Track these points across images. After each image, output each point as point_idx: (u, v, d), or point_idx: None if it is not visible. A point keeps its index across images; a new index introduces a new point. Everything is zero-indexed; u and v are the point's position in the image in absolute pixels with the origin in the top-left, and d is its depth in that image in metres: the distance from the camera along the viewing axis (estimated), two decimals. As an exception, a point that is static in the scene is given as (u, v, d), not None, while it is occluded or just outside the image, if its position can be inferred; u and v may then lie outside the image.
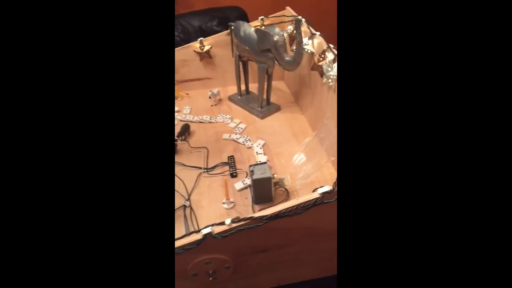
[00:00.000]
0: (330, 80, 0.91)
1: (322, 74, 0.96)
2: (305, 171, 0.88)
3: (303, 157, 0.91)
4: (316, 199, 0.53)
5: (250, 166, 0.86)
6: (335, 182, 0.55)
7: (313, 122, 1.14)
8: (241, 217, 0.56)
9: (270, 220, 0.53)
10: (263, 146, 1.09)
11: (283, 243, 0.63)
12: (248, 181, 0.92)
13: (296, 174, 0.92)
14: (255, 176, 0.82)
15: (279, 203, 0.86)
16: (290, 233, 0.60)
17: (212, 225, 0.55)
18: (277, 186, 0.87)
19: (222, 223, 0.55)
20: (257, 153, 1.04)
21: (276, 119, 1.24)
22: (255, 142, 1.10)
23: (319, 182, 0.89)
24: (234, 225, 0.54)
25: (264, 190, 0.85)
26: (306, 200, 0.54)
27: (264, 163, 0.87)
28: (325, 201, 0.54)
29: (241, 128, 1.17)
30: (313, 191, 0.56)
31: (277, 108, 1.28)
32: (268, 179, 0.82)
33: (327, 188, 0.54)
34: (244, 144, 1.09)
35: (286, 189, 0.89)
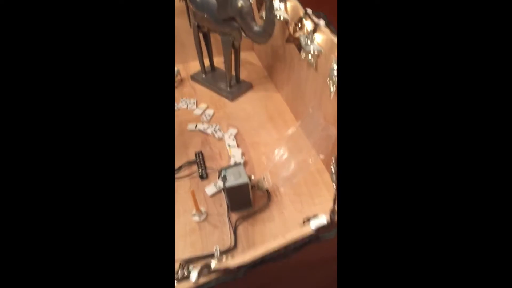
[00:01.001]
0: (310, 56, 0.75)
1: (300, 48, 0.79)
2: (288, 169, 0.75)
3: (284, 152, 0.77)
4: (310, 237, 0.40)
5: (221, 170, 0.71)
6: (333, 210, 0.41)
7: (290, 101, 0.99)
8: (215, 254, 0.42)
9: (251, 268, 0.40)
10: (236, 135, 0.93)
11: (268, 282, 0.51)
12: (221, 183, 0.78)
13: (277, 172, 0.78)
14: (229, 183, 0.68)
15: (260, 208, 0.73)
16: (276, 272, 0.47)
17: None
18: (254, 185, 0.73)
19: (187, 277, 0.41)
20: (230, 146, 0.89)
21: (248, 100, 1.07)
22: (226, 132, 0.94)
23: (306, 185, 0.76)
24: (203, 280, 0.40)
25: (240, 196, 0.71)
26: (296, 239, 0.41)
27: (238, 164, 0.72)
28: (321, 238, 0.41)
29: (209, 115, 1.00)
30: (304, 222, 0.43)
31: (249, 86, 1.10)
32: (245, 185, 0.68)
33: (322, 220, 0.41)
34: (213, 135, 0.93)
35: (267, 190, 0.75)
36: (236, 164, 0.72)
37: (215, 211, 0.75)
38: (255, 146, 0.90)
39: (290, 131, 0.79)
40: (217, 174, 0.82)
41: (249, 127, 0.96)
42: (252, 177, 0.72)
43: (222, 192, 0.77)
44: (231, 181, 0.68)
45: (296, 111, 0.95)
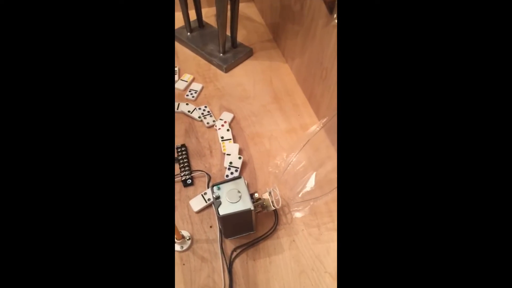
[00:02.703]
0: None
1: (332, 7, 0.54)
2: (304, 183, 0.54)
3: (300, 158, 0.56)
4: None
5: (213, 186, 0.50)
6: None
7: (303, 78, 0.75)
8: None
9: None
10: (231, 123, 0.71)
11: None
12: (210, 196, 0.57)
13: (288, 183, 0.58)
14: (224, 210, 0.47)
15: (265, 234, 0.54)
16: None
17: None
18: (259, 210, 0.53)
19: None
20: (223, 138, 0.67)
21: (247, 71, 0.82)
22: (218, 117, 0.71)
23: (326, 202, 0.56)
24: None
25: (239, 223, 0.51)
26: None
27: (237, 178, 0.51)
28: None
29: (195, 92, 0.76)
30: None
31: (248, 53, 0.85)
32: (247, 213, 0.48)
33: None
34: (201, 121, 0.70)
35: (274, 210, 0.55)
36: (234, 178, 0.51)
37: (203, 235, 0.55)
38: (257, 139, 0.68)
39: (312, 129, 0.57)
40: (207, 178, 0.61)
41: (248, 110, 0.73)
42: (256, 195, 0.52)
43: (213, 207, 0.57)
44: (227, 206, 0.47)
45: (311, 94, 0.72)
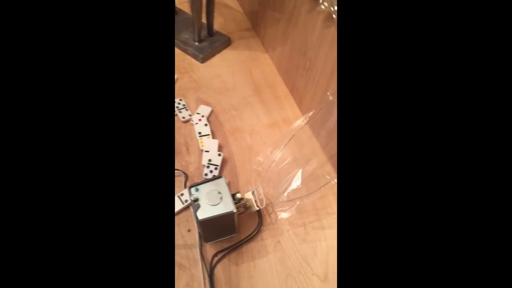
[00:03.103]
0: (334, 7, 0.47)
1: (317, -9, 0.50)
2: (291, 183, 0.51)
3: (285, 155, 0.52)
4: None
5: (190, 187, 0.45)
6: None
7: (285, 69, 0.71)
8: None
9: None
10: (209, 117, 0.66)
11: None
12: (188, 197, 0.53)
13: (272, 181, 0.54)
14: (203, 214, 0.43)
15: (248, 236, 0.50)
16: None
17: None
18: (242, 211, 0.49)
19: None
20: (200, 134, 0.62)
21: (225, 62, 0.77)
22: (195, 111, 0.66)
23: (316, 211, 0.53)
24: None
25: (220, 227, 0.47)
26: None
27: (217, 178, 0.46)
28: None
29: (169, 83, 0.70)
30: None
31: (226, 42, 0.80)
32: (229, 215, 0.44)
33: None
34: (176, 116, 0.65)
35: (258, 210, 0.52)
36: (214, 178, 0.46)
37: (180, 240, 0.50)
38: (237, 134, 0.64)
39: (298, 123, 0.53)
40: (183, 177, 0.56)
41: (228, 104, 0.69)
42: (238, 195, 0.48)
43: (191, 208, 0.52)
44: (207, 210, 0.43)
45: (294, 86, 0.69)
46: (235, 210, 0.43)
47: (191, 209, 0.44)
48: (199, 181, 0.46)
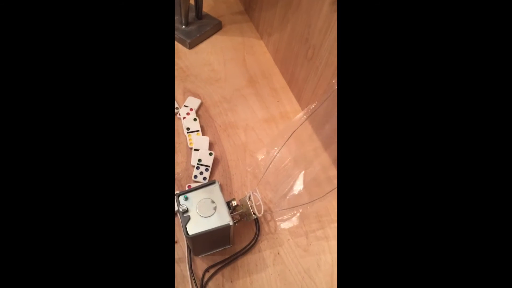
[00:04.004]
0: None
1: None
2: (293, 188, 0.45)
3: (285, 155, 0.46)
4: None
5: (179, 196, 0.39)
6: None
7: (283, 57, 0.65)
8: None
9: None
10: (198, 111, 0.59)
11: None
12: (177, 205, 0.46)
13: (273, 185, 0.48)
14: (194, 229, 0.36)
15: (244, 248, 0.44)
16: None
17: None
18: (237, 220, 0.43)
19: None
20: (189, 130, 0.55)
21: (215, 48, 0.70)
22: (182, 104, 0.59)
23: (319, 218, 0.47)
24: None
25: (213, 240, 0.41)
26: None
27: (210, 183, 0.40)
28: None
29: (153, 71, 0.62)
30: None
31: (216, 27, 0.72)
32: (225, 229, 0.38)
33: None
34: (161, 108, 0.58)
35: (255, 220, 0.46)
36: (206, 184, 0.40)
37: (167, 253, 0.44)
38: (230, 130, 0.57)
39: (299, 116, 0.47)
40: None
41: (219, 95, 0.62)
42: (234, 202, 0.42)
43: (178, 216, 0.46)
44: (198, 223, 0.37)
45: (292, 77, 0.62)
46: (231, 223, 0.37)
47: (180, 220, 0.38)
48: (188, 186, 0.39)
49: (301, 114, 0.49)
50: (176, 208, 0.38)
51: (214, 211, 0.37)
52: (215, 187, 0.39)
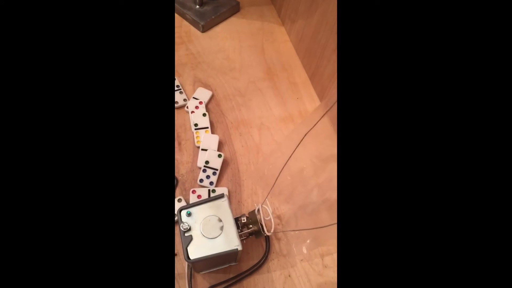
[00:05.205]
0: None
1: None
2: (310, 198, 0.39)
3: (301, 163, 0.40)
4: None
5: (180, 210, 0.33)
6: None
7: (305, 47, 0.57)
8: None
9: None
10: (208, 104, 0.53)
11: None
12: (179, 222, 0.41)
13: (285, 195, 0.42)
14: (196, 253, 0.31)
15: (252, 268, 0.39)
16: None
17: None
18: (246, 237, 0.38)
19: None
20: (197, 127, 0.49)
21: (231, 33, 0.63)
22: (191, 95, 0.52)
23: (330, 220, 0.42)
24: None
25: (217, 261, 0.36)
26: None
27: (218, 197, 0.34)
28: None
29: (160, 56, 0.56)
30: None
31: (233, 8, 0.65)
32: (232, 254, 0.32)
33: None
34: (167, 99, 0.52)
35: (265, 237, 0.40)
36: (213, 198, 0.34)
37: (165, 267, 0.39)
38: (243, 128, 0.51)
39: (315, 115, 0.40)
40: (174, 182, 0.44)
41: (233, 87, 0.55)
42: (243, 219, 0.36)
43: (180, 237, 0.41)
44: (201, 245, 0.31)
45: (316, 71, 0.55)
46: (240, 248, 0.32)
47: (180, 236, 0.33)
48: (193, 190, 0.34)
49: (320, 110, 0.42)
50: (176, 218, 0.33)
51: (220, 231, 0.32)
52: (224, 203, 0.34)
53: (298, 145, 0.41)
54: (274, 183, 0.39)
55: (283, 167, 0.41)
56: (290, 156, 0.41)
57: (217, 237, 0.32)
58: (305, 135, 0.42)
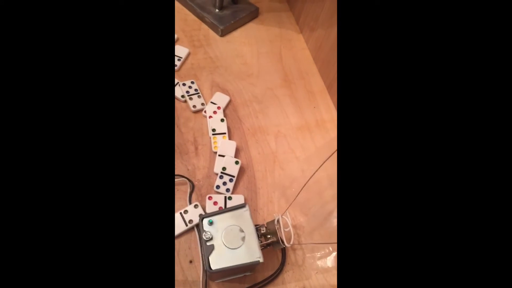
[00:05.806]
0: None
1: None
2: (329, 218, 0.39)
3: (324, 177, 0.40)
4: None
5: (202, 218, 0.33)
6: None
7: (323, 57, 0.57)
8: None
9: None
10: (225, 109, 0.52)
11: None
12: (193, 215, 0.40)
13: (305, 209, 0.42)
14: (217, 264, 0.31)
15: (267, 279, 0.39)
16: None
17: None
18: (264, 247, 0.37)
19: None
20: (214, 132, 0.49)
21: (249, 38, 0.63)
22: (209, 99, 0.52)
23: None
24: None
25: (235, 271, 0.35)
26: None
27: (240, 207, 0.34)
28: None
29: (179, 58, 0.55)
30: None
31: (252, 14, 0.65)
32: (253, 265, 0.32)
33: None
34: (185, 102, 0.51)
35: (282, 249, 0.40)
36: (235, 207, 0.34)
37: (179, 274, 0.38)
38: (260, 136, 0.51)
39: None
40: (189, 187, 0.44)
41: (250, 94, 0.55)
42: (263, 229, 0.36)
43: (196, 231, 0.40)
44: (223, 255, 0.31)
45: (333, 81, 0.55)
46: (262, 260, 0.31)
47: (200, 244, 0.32)
48: (209, 197, 0.33)
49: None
50: (200, 232, 0.33)
51: (242, 242, 0.32)
52: (245, 212, 0.34)
53: (318, 168, 0.41)
54: (295, 198, 0.39)
55: (303, 186, 0.41)
56: (311, 177, 0.40)
57: (238, 247, 0.31)
58: (327, 159, 0.42)
